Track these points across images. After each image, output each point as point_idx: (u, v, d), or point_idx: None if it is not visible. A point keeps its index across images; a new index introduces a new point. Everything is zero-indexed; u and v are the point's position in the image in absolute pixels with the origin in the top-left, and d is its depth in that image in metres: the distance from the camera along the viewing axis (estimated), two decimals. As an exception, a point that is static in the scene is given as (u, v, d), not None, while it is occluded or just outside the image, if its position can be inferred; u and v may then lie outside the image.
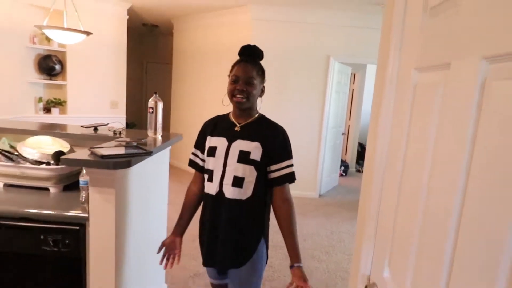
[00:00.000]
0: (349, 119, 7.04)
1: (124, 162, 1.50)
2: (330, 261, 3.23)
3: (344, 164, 6.86)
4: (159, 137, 2.15)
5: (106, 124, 2.43)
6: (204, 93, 5.81)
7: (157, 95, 2.15)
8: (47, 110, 4.78)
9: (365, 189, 1.21)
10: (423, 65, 0.85)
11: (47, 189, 1.88)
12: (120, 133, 2.23)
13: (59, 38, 3.25)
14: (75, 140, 2.17)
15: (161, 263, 1.60)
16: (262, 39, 4.95)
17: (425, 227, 0.78)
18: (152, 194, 2.12)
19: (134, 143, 1.80)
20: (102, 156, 1.47)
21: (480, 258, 0.58)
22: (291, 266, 1.45)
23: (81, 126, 2.33)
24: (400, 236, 0.93)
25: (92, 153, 1.51)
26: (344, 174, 6.81)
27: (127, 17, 5.17)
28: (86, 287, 1.66)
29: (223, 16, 5.32)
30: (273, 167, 1.46)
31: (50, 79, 4.71)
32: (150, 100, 2.13)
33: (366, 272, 1.13)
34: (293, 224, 1.48)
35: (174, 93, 6.47)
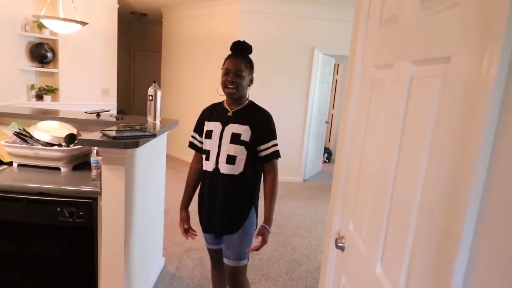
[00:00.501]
0: (333, 108, 7.34)
1: (133, 142, 1.72)
2: (312, 237, 3.54)
3: (327, 151, 7.19)
4: (158, 122, 2.37)
5: (108, 111, 2.63)
6: (194, 82, 5.99)
7: (156, 84, 2.36)
8: (39, 97, 4.88)
9: (337, 164, 1.48)
10: (377, 64, 1.11)
11: (58, 169, 2.09)
12: (122, 119, 2.44)
13: (56, 28, 3.39)
14: (81, 125, 2.36)
15: (186, 238, 1.91)
16: (250, 30, 5.16)
17: (375, 190, 1.05)
18: (153, 173, 2.35)
19: (138, 127, 2.02)
20: (114, 138, 1.69)
21: (403, 207, 0.85)
22: (262, 225, 1.73)
23: (85, 112, 2.52)
24: (360, 199, 1.20)
25: (104, 135, 1.73)
26: (327, 160, 7.14)
27: (118, 6, 5.27)
28: (98, 253, 1.90)
29: (213, 7, 5.48)
30: (262, 147, 1.72)
31: (42, 67, 4.81)
32: (150, 88, 2.34)
33: (337, 229, 1.41)
34: (274, 190, 1.76)
35: (164, 81, 6.62)
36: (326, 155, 7.09)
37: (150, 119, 2.37)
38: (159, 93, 2.36)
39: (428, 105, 0.78)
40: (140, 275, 2.19)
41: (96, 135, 1.76)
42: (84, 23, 3.42)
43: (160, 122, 2.39)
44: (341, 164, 1.39)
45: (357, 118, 1.30)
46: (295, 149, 5.48)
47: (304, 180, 5.66)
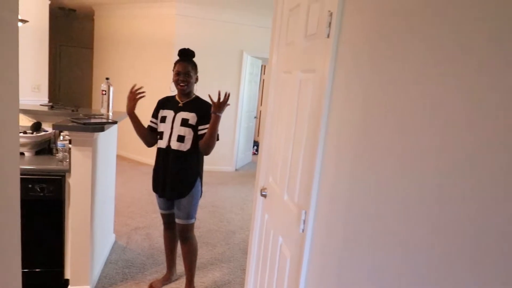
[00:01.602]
0: (261, 104, 8.08)
1: (99, 127, 2.12)
2: (244, 214, 4.14)
3: (256, 144, 7.91)
4: (110, 114, 2.74)
5: (59, 104, 2.90)
6: (130, 80, 6.19)
7: (109, 80, 2.73)
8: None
9: (260, 140, 2.08)
10: (284, 70, 1.73)
11: (22, 154, 2.36)
12: (77, 110, 2.75)
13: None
14: (38, 116, 2.62)
15: (133, 98, 2.15)
16: (185, 33, 5.59)
17: (283, 152, 1.66)
18: (108, 157, 2.71)
19: (98, 116, 2.39)
20: (84, 123, 2.07)
21: (296, 158, 1.46)
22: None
23: (40, 105, 2.77)
24: (274, 161, 1.80)
25: (75, 122, 2.10)
26: (256, 152, 7.86)
27: (49, 2, 5.28)
28: (65, 222, 2.24)
29: (148, 9, 5.77)
30: (201, 127, 2.22)
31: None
32: (103, 84, 2.70)
33: (262, 184, 2.01)
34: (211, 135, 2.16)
35: (96, 78, 6.67)
36: (255, 147, 7.80)
37: (103, 111, 2.73)
38: (111, 88, 2.73)
39: (307, 95, 1.40)
40: (99, 245, 2.55)
41: (67, 122, 2.11)
42: (24, 21, 3.54)
43: (112, 113, 2.76)
44: (264, 140, 2.00)
45: (273, 107, 1.91)
46: (228, 142, 6.06)
47: (236, 169, 6.27)
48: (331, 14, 1.19)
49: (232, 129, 6.07)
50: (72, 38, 8.19)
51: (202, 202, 4.01)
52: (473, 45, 0.62)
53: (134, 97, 2.14)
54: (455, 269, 0.62)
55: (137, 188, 4.66)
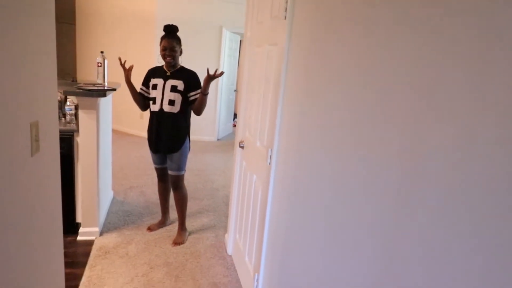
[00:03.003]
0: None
1: (102, 93, 2.51)
2: (226, 176, 4.64)
3: (236, 116, 8.34)
4: (106, 83, 3.10)
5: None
6: (113, 54, 6.42)
7: (103, 53, 3.07)
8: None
9: (239, 101, 2.52)
10: (256, 44, 2.16)
11: (32, 118, 2.72)
12: (75, 80, 3.09)
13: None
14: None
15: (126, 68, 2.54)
16: (166, 9, 5.85)
17: (255, 110, 2.12)
18: (106, 121, 3.10)
19: (97, 85, 2.77)
20: (89, 90, 2.45)
21: (265, 112, 1.92)
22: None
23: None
24: (249, 117, 2.26)
25: (81, 89, 2.47)
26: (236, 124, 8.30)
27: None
28: (75, 175, 2.66)
29: (129, -16, 5.96)
30: (191, 94, 2.65)
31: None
32: (98, 57, 3.05)
33: (240, 138, 2.48)
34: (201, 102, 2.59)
35: (80, 52, 6.85)
36: (235, 120, 8.24)
37: (99, 81, 3.09)
38: (106, 61, 3.08)
39: (272, 64, 1.84)
40: (103, 196, 2.99)
41: (75, 89, 2.49)
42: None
43: (107, 83, 3.12)
44: (241, 102, 2.45)
45: (248, 75, 2.35)
46: (210, 113, 6.47)
47: (218, 139, 6.72)
48: (286, 1, 1.62)
49: (214, 101, 6.47)
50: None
51: (189, 166, 4.46)
52: (384, 24, 1.08)
53: (124, 66, 2.54)
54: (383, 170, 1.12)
55: (127, 155, 5.06)
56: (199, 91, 2.63)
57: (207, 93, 2.54)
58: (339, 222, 1.15)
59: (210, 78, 2.45)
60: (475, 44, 0.67)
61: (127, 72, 2.54)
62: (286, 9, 1.63)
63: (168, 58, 2.57)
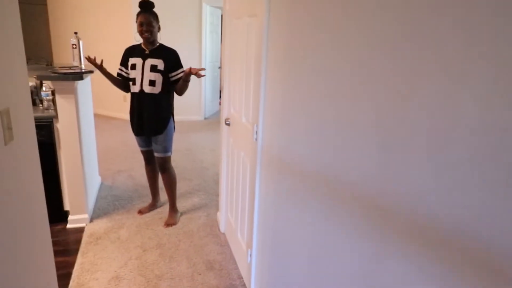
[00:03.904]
0: (224, 55, 8.27)
1: (78, 76, 2.41)
2: (214, 154, 4.61)
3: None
4: (83, 66, 2.98)
5: (31, 59, 3.08)
6: (90, 33, 6.17)
7: (77, 34, 2.93)
8: None
9: (222, 77, 2.46)
10: (236, 17, 2.08)
11: (7, 106, 2.61)
12: (50, 64, 2.96)
13: None
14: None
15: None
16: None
17: (238, 86, 2.06)
18: (86, 105, 3.00)
19: (73, 68, 2.65)
20: (65, 73, 2.35)
21: (249, 86, 1.87)
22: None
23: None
24: (233, 94, 2.21)
25: (56, 73, 2.37)
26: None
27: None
28: (59, 163, 2.59)
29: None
30: (173, 74, 2.57)
31: None
32: (72, 39, 2.91)
33: (225, 115, 2.43)
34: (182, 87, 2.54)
35: (54, 34, 6.57)
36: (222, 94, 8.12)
37: (76, 63, 2.96)
38: (81, 42, 2.95)
39: (252, 36, 1.78)
40: (90, 182, 2.94)
41: (49, 73, 2.38)
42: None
43: (84, 65, 3.00)
44: (225, 79, 2.39)
45: (229, 50, 2.28)
46: (195, 92, 6.35)
47: (205, 118, 6.64)
48: (264, -31, 1.54)
49: (198, 80, 6.33)
50: (20, -6, 7.77)
51: (176, 147, 4.42)
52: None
53: (94, 63, 2.44)
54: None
55: (112, 139, 4.97)
56: (180, 71, 2.56)
57: (189, 80, 2.48)
58: (325, 191, 1.14)
59: (191, 73, 2.41)
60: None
61: (100, 66, 2.45)
62: (264, -24, 1.55)
63: (145, 34, 2.47)
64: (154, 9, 2.53)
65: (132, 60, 2.54)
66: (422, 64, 0.73)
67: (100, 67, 2.46)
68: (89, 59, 2.42)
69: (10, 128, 1.18)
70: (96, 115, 6.49)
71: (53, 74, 2.33)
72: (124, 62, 2.61)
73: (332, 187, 1.11)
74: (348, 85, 0.99)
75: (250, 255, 2.01)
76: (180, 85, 2.52)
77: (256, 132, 1.77)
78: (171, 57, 2.55)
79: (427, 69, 0.72)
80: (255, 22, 1.72)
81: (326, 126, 1.12)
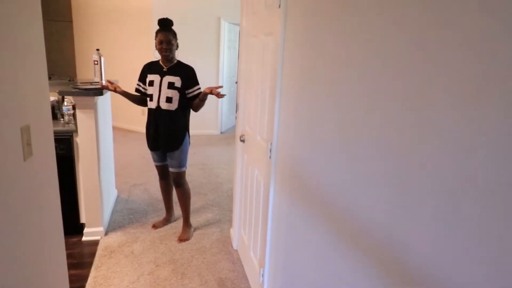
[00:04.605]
0: (241, 70, 8.37)
1: (99, 92, 2.47)
2: (230, 169, 4.61)
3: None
4: (104, 81, 3.06)
5: (54, 75, 3.20)
6: (112, 50, 6.38)
7: (99, 51, 3.03)
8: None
9: (237, 94, 2.47)
10: (252, 35, 2.10)
11: (31, 120, 2.70)
12: (72, 80, 3.06)
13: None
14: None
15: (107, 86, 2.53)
16: (162, 2, 5.76)
17: (254, 102, 2.07)
18: (105, 119, 3.07)
19: (94, 84, 2.73)
20: (86, 89, 2.42)
21: (263, 104, 1.88)
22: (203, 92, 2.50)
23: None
24: (248, 111, 2.21)
25: (77, 88, 2.44)
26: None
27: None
28: (77, 176, 2.64)
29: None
30: (190, 91, 2.60)
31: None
32: (94, 55, 3.00)
33: (240, 132, 2.43)
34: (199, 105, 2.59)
35: (79, 50, 6.82)
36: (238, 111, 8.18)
37: (97, 79, 3.05)
38: (102, 58, 3.04)
39: (268, 54, 1.79)
40: (106, 195, 2.98)
41: (70, 89, 2.45)
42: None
43: (105, 81, 3.08)
44: (240, 96, 2.40)
45: (245, 67, 2.30)
46: (212, 106, 6.41)
47: (221, 132, 6.68)
48: (280, -11, 1.56)
49: (215, 94, 6.42)
50: (49, 12, 8.15)
51: (192, 161, 4.45)
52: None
53: (113, 89, 2.52)
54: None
55: (129, 153, 5.05)
56: (196, 88, 2.59)
57: (206, 99, 2.54)
58: (338, 217, 1.11)
59: (210, 93, 2.45)
60: None
61: (118, 90, 2.54)
62: (280, -4, 1.57)
63: (165, 52, 2.52)
64: (174, 27, 2.59)
65: (150, 77, 2.59)
66: (439, 83, 0.71)
67: (117, 92, 2.54)
68: (106, 87, 2.52)
69: (29, 144, 1.21)
70: (114, 128, 6.68)
71: (74, 90, 2.40)
72: (142, 78, 2.66)
73: (341, 216, 1.08)
74: (364, 106, 0.97)
75: (262, 275, 1.97)
76: (197, 103, 2.56)
77: (270, 150, 1.76)
78: (188, 74, 2.59)
79: (453, 90, 0.70)
80: (271, 41, 1.73)
81: (342, 148, 1.10)
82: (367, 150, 0.96)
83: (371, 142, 0.94)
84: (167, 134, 2.61)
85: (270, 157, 1.78)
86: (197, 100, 2.55)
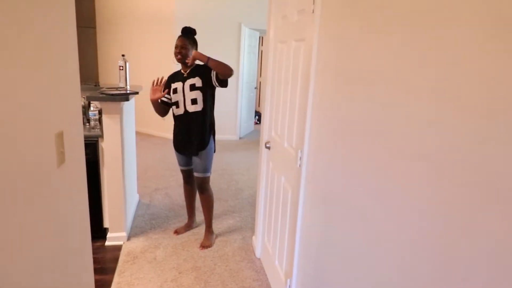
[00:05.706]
0: (260, 76, 8.35)
1: (125, 97, 2.48)
2: (250, 175, 4.57)
3: (258, 114, 8.26)
4: (128, 86, 3.08)
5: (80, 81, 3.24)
6: (135, 57, 6.48)
7: (125, 57, 3.06)
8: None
9: (262, 100, 2.44)
10: (280, 40, 2.06)
11: (58, 124, 2.73)
12: (98, 85, 3.09)
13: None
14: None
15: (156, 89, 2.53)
16: (184, 8, 5.82)
17: (282, 109, 2.03)
18: (129, 124, 3.09)
19: (120, 89, 2.75)
20: (112, 95, 2.43)
21: (292, 112, 1.83)
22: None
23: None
24: (276, 116, 2.17)
25: (104, 94, 2.46)
26: (258, 122, 8.22)
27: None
28: (101, 180, 2.65)
29: (147, -14, 5.97)
30: (211, 77, 2.52)
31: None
32: (120, 61, 3.03)
33: (266, 138, 2.39)
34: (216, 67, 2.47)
35: (102, 56, 6.95)
36: (257, 117, 8.16)
37: (122, 84, 3.07)
38: (127, 64, 3.06)
39: (299, 60, 1.75)
40: (129, 200, 2.98)
41: (98, 94, 2.47)
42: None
43: (129, 86, 3.11)
44: (266, 101, 2.37)
45: (272, 72, 2.26)
46: (231, 112, 6.42)
47: (240, 138, 6.66)
48: (314, -6, 1.52)
49: (234, 100, 6.41)
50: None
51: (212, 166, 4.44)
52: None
53: (160, 89, 2.50)
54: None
55: (150, 157, 5.08)
56: (212, 72, 2.52)
57: (207, 61, 2.47)
58: (378, 226, 1.05)
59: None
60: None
61: (160, 95, 2.51)
62: (314, 1, 1.53)
63: (178, 57, 2.52)
64: (196, 34, 2.59)
65: (173, 85, 2.59)
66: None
67: (159, 96, 2.51)
68: (158, 83, 2.52)
69: (62, 151, 1.20)
70: (136, 133, 6.77)
71: (101, 95, 2.41)
72: (167, 90, 2.66)
73: (385, 221, 1.02)
74: (404, 113, 0.91)
75: (289, 286, 1.91)
76: (213, 66, 2.47)
77: (300, 158, 1.71)
78: (205, 70, 2.55)
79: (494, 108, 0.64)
80: (302, 46, 1.69)
81: (379, 161, 1.04)
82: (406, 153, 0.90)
83: (409, 151, 0.88)
84: (197, 135, 2.59)
85: (300, 165, 1.73)
86: (213, 68, 2.48)
